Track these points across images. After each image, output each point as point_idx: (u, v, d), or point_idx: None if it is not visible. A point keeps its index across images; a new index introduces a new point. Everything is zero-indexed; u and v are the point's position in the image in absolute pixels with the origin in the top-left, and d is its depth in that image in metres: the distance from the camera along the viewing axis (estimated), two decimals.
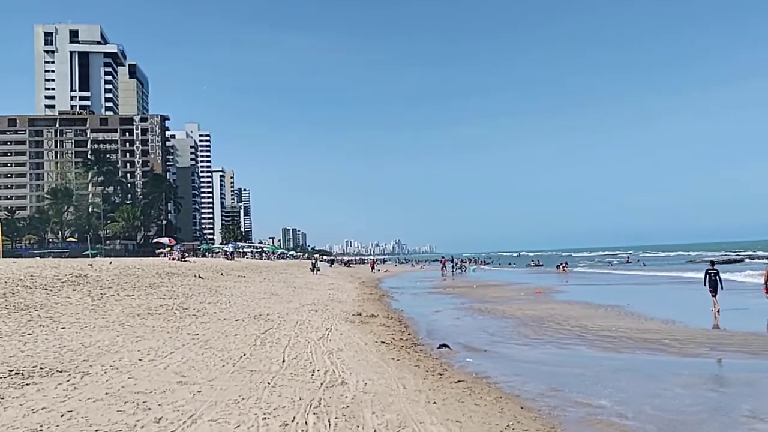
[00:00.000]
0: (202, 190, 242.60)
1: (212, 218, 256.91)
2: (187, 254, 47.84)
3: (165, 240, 56.83)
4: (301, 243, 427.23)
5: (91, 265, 25.62)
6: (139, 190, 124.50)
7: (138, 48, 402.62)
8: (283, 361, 10.05)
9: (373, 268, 66.40)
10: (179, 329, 12.61)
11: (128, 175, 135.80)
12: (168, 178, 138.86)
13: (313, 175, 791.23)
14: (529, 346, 13.88)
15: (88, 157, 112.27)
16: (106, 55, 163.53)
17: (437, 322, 18.88)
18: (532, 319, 18.70)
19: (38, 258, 49.93)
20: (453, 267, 67.85)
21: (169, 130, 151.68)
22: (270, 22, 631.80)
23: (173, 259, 41.06)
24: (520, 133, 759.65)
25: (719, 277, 19.75)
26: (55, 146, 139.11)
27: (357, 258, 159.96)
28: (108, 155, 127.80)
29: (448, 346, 13.54)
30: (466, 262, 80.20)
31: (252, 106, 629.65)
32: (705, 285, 20.10)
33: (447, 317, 20.41)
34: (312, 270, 46.42)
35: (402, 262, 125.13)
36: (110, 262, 29.74)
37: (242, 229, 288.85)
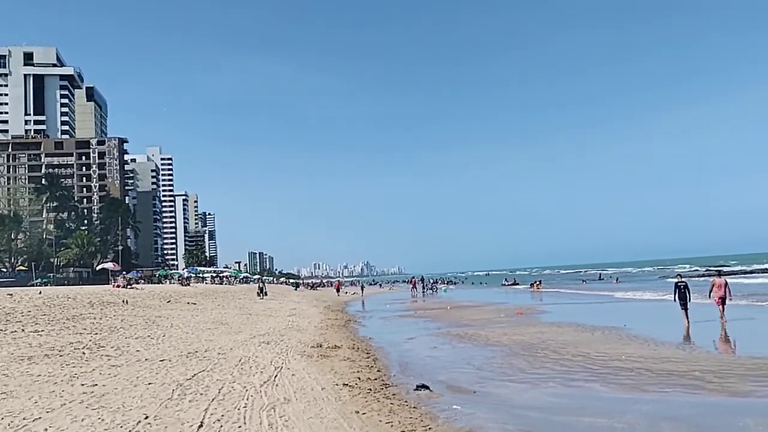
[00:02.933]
0: (165, 214, 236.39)
1: (175, 243, 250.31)
2: (136, 281, 44.16)
3: (110, 265, 52.85)
4: (268, 267, 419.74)
5: (11, 295, 22.18)
6: (95, 215, 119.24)
7: (96, 70, 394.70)
8: (200, 426, 7.10)
9: (338, 290, 62.91)
10: (73, 378, 9.52)
11: (85, 200, 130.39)
12: (127, 202, 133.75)
13: (279, 198, 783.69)
14: (528, 383, 11.12)
15: (42, 182, 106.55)
16: (63, 77, 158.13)
17: (411, 353, 16.02)
18: (522, 346, 15.96)
19: None
20: (424, 287, 65.24)
21: (128, 153, 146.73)
22: (234, 44, 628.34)
23: (118, 286, 37.46)
24: (487, 155, 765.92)
25: (688, 290, 19.88)
26: (8, 171, 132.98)
27: (325, 280, 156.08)
28: (63, 180, 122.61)
29: (427, 387, 10.71)
30: (437, 283, 77.59)
31: (216, 128, 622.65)
32: (675, 299, 20.11)
33: (422, 346, 17.56)
34: (259, 295, 43.07)
35: (371, 284, 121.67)
36: (39, 292, 26.26)
37: (207, 254, 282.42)
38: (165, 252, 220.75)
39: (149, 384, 9.38)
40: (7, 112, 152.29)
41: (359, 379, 11.37)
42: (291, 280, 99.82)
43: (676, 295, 19.98)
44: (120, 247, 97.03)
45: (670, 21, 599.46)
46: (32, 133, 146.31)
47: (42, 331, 14.80)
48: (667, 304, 25.11)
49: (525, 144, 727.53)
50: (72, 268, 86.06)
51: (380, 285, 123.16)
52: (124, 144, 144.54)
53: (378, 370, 12.74)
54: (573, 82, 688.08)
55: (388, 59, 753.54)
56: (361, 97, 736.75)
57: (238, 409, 8.05)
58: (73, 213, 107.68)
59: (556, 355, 14.14)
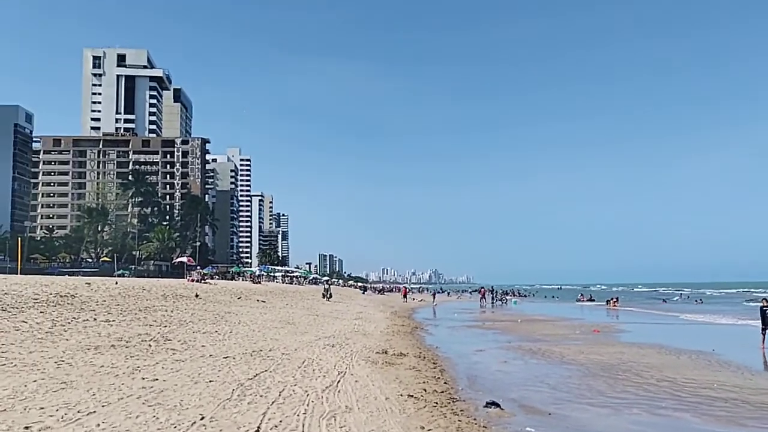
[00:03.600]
0: (241, 213, 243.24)
1: (250, 242, 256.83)
2: (210, 276, 45.14)
3: (185, 259, 54.32)
4: (337, 269, 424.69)
5: (89, 284, 22.83)
6: (177, 211, 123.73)
7: (184, 73, 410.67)
8: (257, 431, 6.72)
9: (405, 296, 62.32)
10: (135, 371, 9.39)
11: (167, 196, 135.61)
12: (207, 200, 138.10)
13: (351, 202, 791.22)
14: (610, 408, 10.22)
15: (129, 177, 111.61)
16: (152, 79, 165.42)
17: (480, 366, 15.29)
18: (601, 366, 14.93)
19: (60, 276, 47.85)
20: (493, 298, 63.77)
21: (209, 153, 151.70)
22: (314, 50, 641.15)
23: (192, 280, 38.34)
24: (564, 163, 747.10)
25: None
26: (98, 167, 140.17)
27: (392, 286, 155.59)
28: (148, 176, 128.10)
29: (498, 405, 10.01)
30: (507, 294, 75.71)
31: (293, 133, 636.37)
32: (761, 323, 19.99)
33: (492, 359, 16.78)
34: (324, 296, 42.96)
35: (439, 292, 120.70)
36: (116, 282, 26.99)
37: (279, 254, 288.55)
38: (240, 250, 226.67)
39: (210, 382, 9.13)
40: (100, 111, 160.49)
41: (425, 390, 10.79)
42: (359, 284, 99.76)
43: (763, 318, 19.75)
44: (198, 243, 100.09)
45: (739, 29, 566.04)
46: (122, 131, 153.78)
47: (113, 321, 14.99)
48: (752, 330, 23.31)
49: (607, 152, 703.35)
50: (152, 261, 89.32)
51: (448, 293, 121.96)
52: (207, 144, 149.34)
53: (445, 382, 12.12)
54: (657, 89, 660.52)
55: (461, 64, 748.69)
56: (433, 103, 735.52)
57: (298, 415, 7.64)
58: (156, 209, 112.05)
59: (639, 378, 13.08)
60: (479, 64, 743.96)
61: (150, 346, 12.02)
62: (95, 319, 14.70)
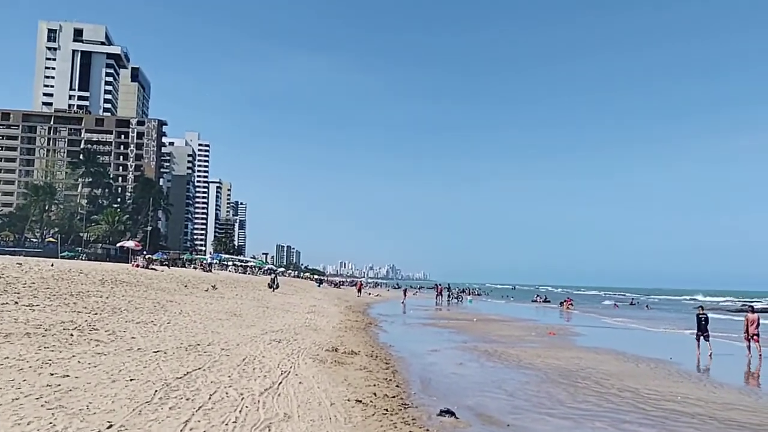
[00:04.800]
0: (198, 200, 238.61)
1: (205, 229, 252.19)
2: (159, 262, 43.33)
3: (130, 244, 52.03)
4: (295, 261, 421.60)
5: (20, 264, 21.22)
6: (129, 194, 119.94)
7: (143, 52, 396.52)
8: None
9: (360, 291, 61.06)
10: (45, 365, 8.20)
11: (120, 178, 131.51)
12: (162, 184, 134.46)
13: (310, 195, 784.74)
14: (571, 420, 9.49)
15: (80, 157, 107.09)
16: (109, 56, 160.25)
17: (435, 368, 14.48)
18: (559, 372, 14.28)
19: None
20: (449, 296, 63.54)
21: (166, 135, 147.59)
22: (282, 40, 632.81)
23: (137, 265, 36.60)
24: (523, 168, 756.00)
25: (707, 322, 19.93)
26: (48, 144, 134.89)
27: (349, 280, 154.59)
28: (100, 157, 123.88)
29: (453, 414, 9.17)
30: (463, 292, 75.42)
31: (255, 121, 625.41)
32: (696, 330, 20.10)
33: (447, 360, 16.00)
34: (271, 287, 41.67)
35: (395, 287, 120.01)
36: (51, 264, 25.33)
37: (236, 243, 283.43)
38: (195, 237, 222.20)
39: (130, 380, 8.02)
40: (53, 87, 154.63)
41: (375, 395, 9.89)
42: (315, 276, 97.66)
43: (698, 326, 19.96)
44: (149, 228, 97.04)
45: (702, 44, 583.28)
46: (75, 108, 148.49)
47: (37, 306, 13.64)
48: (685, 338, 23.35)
49: (566, 158, 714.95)
50: (100, 245, 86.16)
51: (405, 290, 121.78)
52: (164, 126, 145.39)
53: (397, 385, 11.26)
54: (619, 100, 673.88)
55: (427, 66, 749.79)
56: (397, 101, 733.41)
57: (226, 424, 6.63)
58: (107, 190, 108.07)
59: (600, 387, 12.43)
60: (446, 68, 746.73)
61: (71, 335, 10.79)
62: (16, 303, 13.35)
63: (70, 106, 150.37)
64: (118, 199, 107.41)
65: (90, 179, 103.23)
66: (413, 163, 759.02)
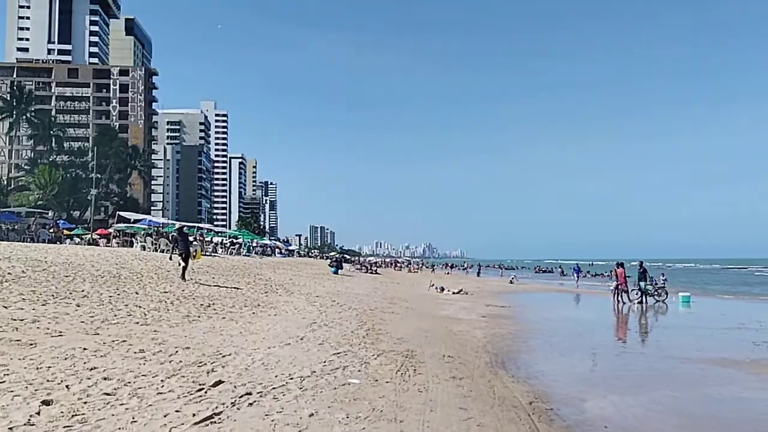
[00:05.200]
0: (216, 175, 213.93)
1: (227, 207, 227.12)
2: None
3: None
4: (329, 241, 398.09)
5: None
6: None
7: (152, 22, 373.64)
8: None
9: (409, 271, 32.56)
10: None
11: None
12: (147, 147, 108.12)
13: (344, 176, 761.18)
14: None
15: (5, 97, 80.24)
16: (93, 1, 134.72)
17: None
18: None
19: None
20: (642, 293, 29.68)
21: (156, 88, 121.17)
22: (302, 20, 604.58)
23: None
24: (556, 138, 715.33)
25: None
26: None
27: (388, 261, 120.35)
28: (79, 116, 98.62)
29: None
30: (662, 280, 35.36)
31: (280, 104, 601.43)
32: None
33: None
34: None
35: (447, 267, 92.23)
36: None
37: (266, 224, 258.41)
38: (214, 215, 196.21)
39: None
40: (28, 39, 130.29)
41: None
42: (333, 254, 63.92)
43: None
44: (110, 194, 70.88)
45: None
46: (54, 63, 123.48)
47: None
48: None
49: (599, 126, 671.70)
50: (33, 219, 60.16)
51: (450, 267, 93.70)
52: (153, 78, 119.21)
53: None
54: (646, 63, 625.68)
55: (451, 34, 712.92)
56: (426, 75, 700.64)
57: None
58: (54, 147, 78.34)
59: None
60: (468, 35, 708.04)
61: None
62: None
63: (49, 60, 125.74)
64: (78, 161, 79.87)
65: (25, 130, 76.30)
66: (443, 138, 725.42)
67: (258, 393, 6.19)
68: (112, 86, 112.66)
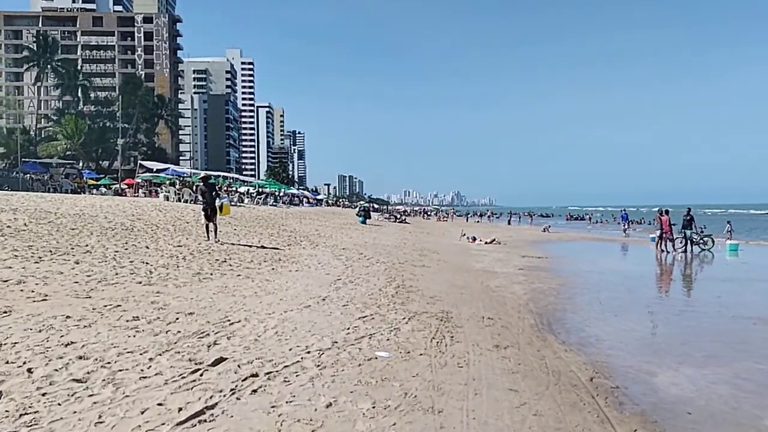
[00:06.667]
0: (244, 124, 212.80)
1: (255, 157, 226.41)
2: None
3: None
4: (358, 190, 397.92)
5: None
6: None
7: None
8: None
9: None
10: None
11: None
12: (172, 96, 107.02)
13: (371, 125, 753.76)
14: None
15: (30, 47, 79.28)
16: None
17: None
18: None
19: None
20: (686, 242, 26.16)
21: (181, 36, 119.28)
22: None
23: None
24: (586, 84, 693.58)
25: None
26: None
27: (416, 209, 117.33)
28: (104, 65, 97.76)
29: None
30: (728, 228, 33.35)
31: (305, 52, 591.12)
32: None
33: None
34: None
35: (467, 215, 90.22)
36: None
37: (295, 173, 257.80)
38: (243, 165, 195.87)
39: None
40: None
41: None
42: (361, 203, 60.76)
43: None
44: (138, 144, 70.41)
45: None
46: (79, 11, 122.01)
47: None
48: None
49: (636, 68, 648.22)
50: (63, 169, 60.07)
51: (478, 215, 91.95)
52: (177, 25, 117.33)
53: None
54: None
55: None
56: (455, 19, 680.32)
57: None
58: (77, 96, 78.14)
59: None
60: None
61: None
62: None
63: (72, 9, 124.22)
64: (105, 111, 79.28)
65: (52, 80, 75.59)
66: (474, 86, 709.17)
67: (266, 374, 5.11)
68: (136, 34, 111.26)
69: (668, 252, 24.91)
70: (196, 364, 5.24)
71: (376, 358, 5.99)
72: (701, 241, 25.94)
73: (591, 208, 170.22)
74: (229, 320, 6.99)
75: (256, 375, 5.08)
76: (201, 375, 4.96)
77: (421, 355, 6.30)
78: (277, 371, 5.23)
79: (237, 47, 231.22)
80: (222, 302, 8.04)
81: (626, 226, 44.58)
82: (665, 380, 6.35)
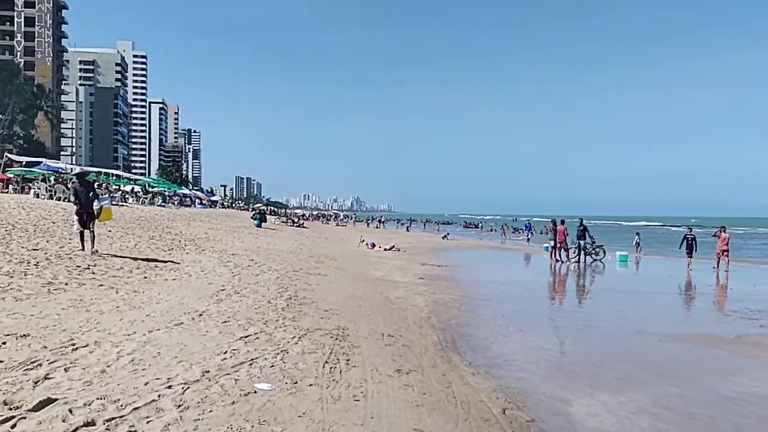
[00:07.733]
0: (135, 120, 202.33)
1: (146, 155, 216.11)
2: None
3: None
4: (255, 193, 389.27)
5: None
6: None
7: None
8: None
9: (336, 224, 29.44)
10: None
11: None
12: (53, 88, 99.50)
13: (271, 128, 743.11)
14: None
15: None
16: None
17: None
18: None
19: None
20: (567, 249, 26.83)
21: (66, 23, 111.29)
22: None
23: None
24: (482, 99, 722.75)
25: (695, 242, 24.35)
26: None
27: (315, 214, 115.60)
28: None
29: None
30: (636, 239, 35.20)
31: (205, 51, 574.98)
32: (680, 248, 24.68)
33: None
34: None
35: (361, 221, 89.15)
36: None
37: (190, 174, 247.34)
38: (133, 163, 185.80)
39: None
40: None
41: None
42: (258, 206, 54.73)
43: (683, 244, 24.64)
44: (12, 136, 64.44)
45: None
46: None
47: None
48: None
49: (536, 88, 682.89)
50: None
51: (378, 220, 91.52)
52: (63, 11, 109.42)
53: None
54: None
55: None
56: (363, 31, 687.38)
57: None
58: None
59: None
60: None
61: None
62: None
63: None
64: None
65: None
66: (375, 95, 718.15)
67: (106, 422, 3.92)
68: (16, 19, 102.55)
69: (563, 261, 25.31)
70: (10, 408, 3.97)
71: (255, 392, 4.92)
72: (593, 251, 26.60)
73: (480, 216, 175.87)
74: (74, 344, 5.66)
75: (91, 423, 3.88)
76: (12, 427, 3.71)
77: (310, 386, 5.28)
78: (122, 417, 4.05)
79: (129, 39, 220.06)
80: (71, 320, 6.64)
81: (530, 236, 46.21)
82: (582, 410, 5.70)
